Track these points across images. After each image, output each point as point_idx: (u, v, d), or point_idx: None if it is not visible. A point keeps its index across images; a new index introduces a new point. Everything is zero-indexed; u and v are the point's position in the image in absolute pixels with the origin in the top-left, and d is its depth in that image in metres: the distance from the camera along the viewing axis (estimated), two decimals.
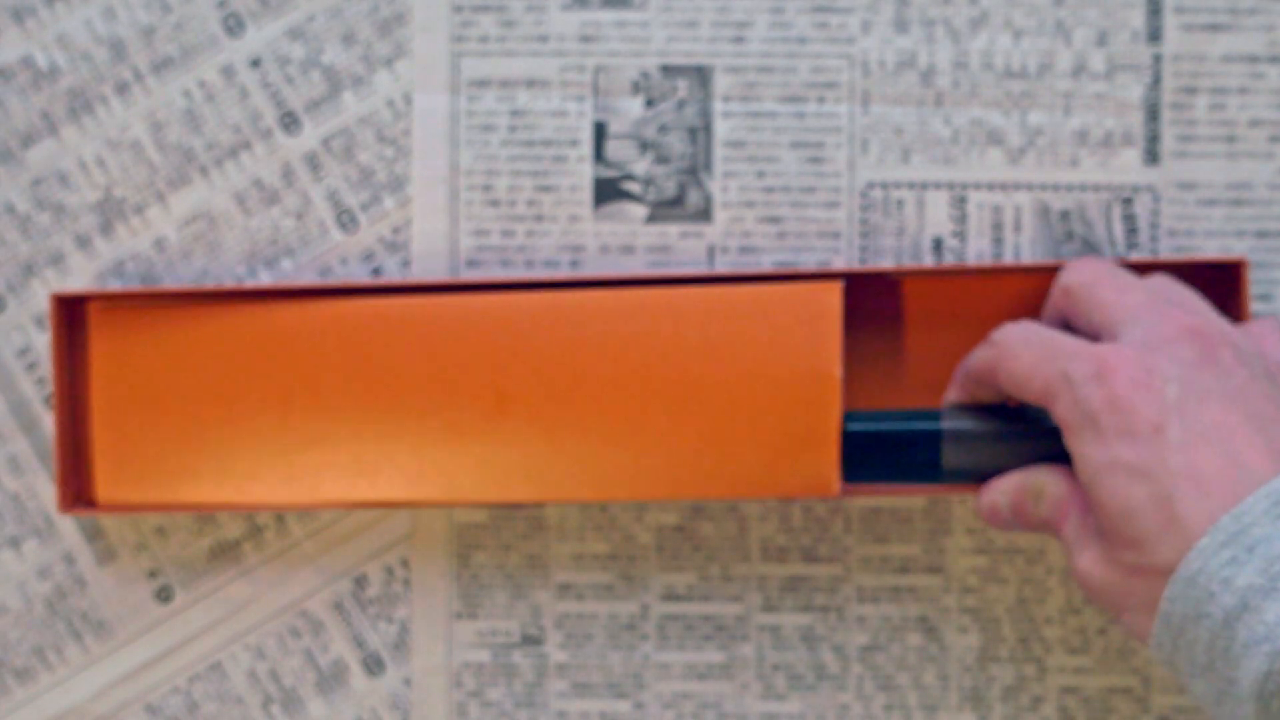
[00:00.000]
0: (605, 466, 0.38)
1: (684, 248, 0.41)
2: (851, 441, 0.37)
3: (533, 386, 0.38)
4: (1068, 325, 0.36)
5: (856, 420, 0.37)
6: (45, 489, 0.41)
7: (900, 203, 0.41)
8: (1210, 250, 0.41)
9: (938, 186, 0.41)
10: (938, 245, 0.41)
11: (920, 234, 0.41)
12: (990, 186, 0.41)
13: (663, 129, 0.41)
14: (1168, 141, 0.41)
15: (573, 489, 0.38)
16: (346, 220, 0.41)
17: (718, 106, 0.41)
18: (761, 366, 0.37)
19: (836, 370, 0.37)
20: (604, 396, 0.37)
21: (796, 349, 0.37)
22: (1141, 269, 0.37)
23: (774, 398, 0.37)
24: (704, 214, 0.41)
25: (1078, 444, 0.32)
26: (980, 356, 0.35)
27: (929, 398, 0.40)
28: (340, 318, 0.38)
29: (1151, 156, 0.41)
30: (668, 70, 0.41)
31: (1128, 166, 0.41)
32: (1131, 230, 0.41)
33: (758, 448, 0.37)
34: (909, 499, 0.41)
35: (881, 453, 0.37)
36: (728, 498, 0.38)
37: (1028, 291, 0.39)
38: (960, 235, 0.41)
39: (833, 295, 0.37)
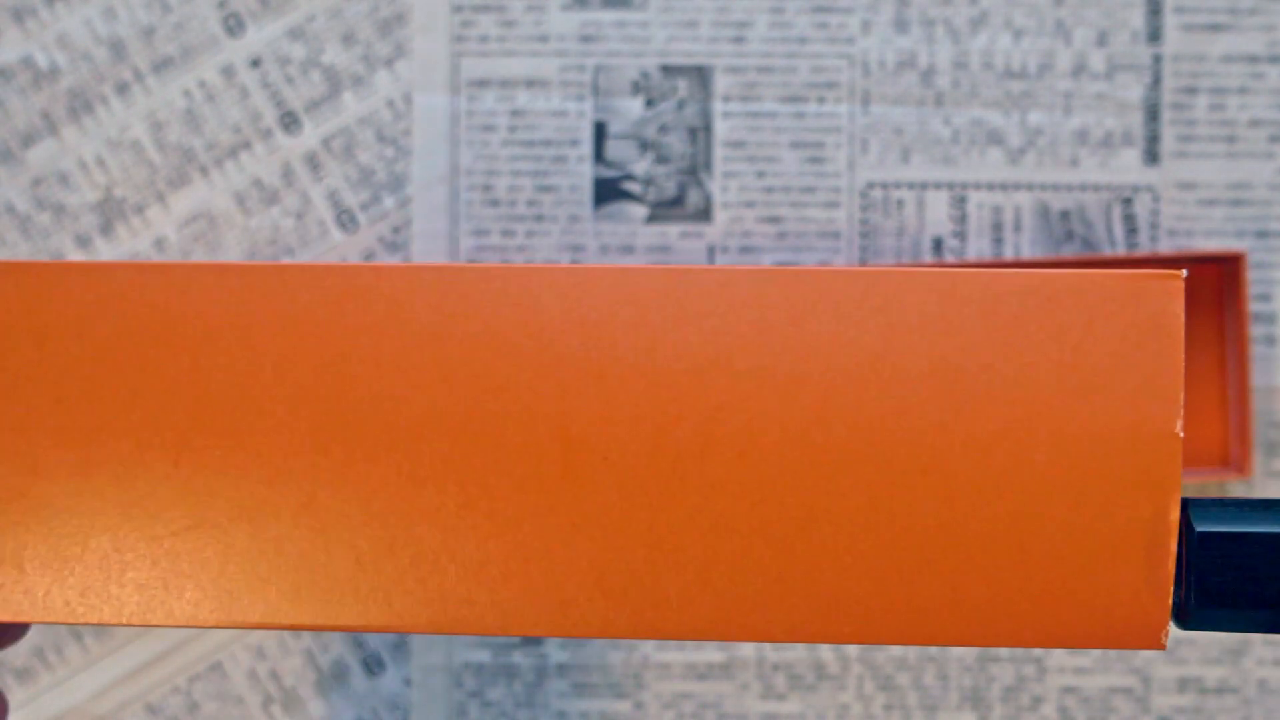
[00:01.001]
0: (725, 597, 0.21)
1: (684, 248, 0.41)
2: (1205, 552, 0.20)
3: (576, 431, 0.21)
4: None
5: (1207, 515, 0.21)
6: None
7: (900, 203, 0.41)
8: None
9: (938, 186, 0.41)
10: (938, 245, 0.41)
11: (920, 234, 0.41)
12: (990, 186, 0.41)
13: (663, 129, 0.41)
14: (1168, 141, 0.41)
15: (654, 622, 0.21)
16: (346, 220, 0.41)
17: (718, 106, 0.41)
18: (1023, 413, 0.21)
19: (1176, 424, 0.21)
20: (718, 461, 0.21)
21: (1094, 385, 0.21)
22: (1142, 265, 0.37)
23: (1046, 472, 0.21)
24: (704, 214, 0.41)
25: None
26: None
27: None
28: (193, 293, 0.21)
29: (1151, 156, 0.41)
30: (668, 70, 0.41)
31: (1128, 166, 0.41)
32: (1131, 230, 0.41)
33: (1012, 566, 0.21)
34: None
35: (1248, 572, 0.20)
36: (947, 645, 0.22)
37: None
38: (960, 235, 0.41)
39: (1172, 294, 0.21)
